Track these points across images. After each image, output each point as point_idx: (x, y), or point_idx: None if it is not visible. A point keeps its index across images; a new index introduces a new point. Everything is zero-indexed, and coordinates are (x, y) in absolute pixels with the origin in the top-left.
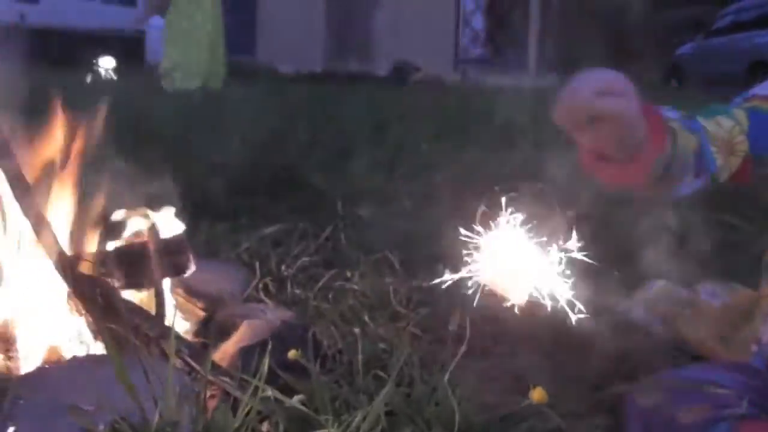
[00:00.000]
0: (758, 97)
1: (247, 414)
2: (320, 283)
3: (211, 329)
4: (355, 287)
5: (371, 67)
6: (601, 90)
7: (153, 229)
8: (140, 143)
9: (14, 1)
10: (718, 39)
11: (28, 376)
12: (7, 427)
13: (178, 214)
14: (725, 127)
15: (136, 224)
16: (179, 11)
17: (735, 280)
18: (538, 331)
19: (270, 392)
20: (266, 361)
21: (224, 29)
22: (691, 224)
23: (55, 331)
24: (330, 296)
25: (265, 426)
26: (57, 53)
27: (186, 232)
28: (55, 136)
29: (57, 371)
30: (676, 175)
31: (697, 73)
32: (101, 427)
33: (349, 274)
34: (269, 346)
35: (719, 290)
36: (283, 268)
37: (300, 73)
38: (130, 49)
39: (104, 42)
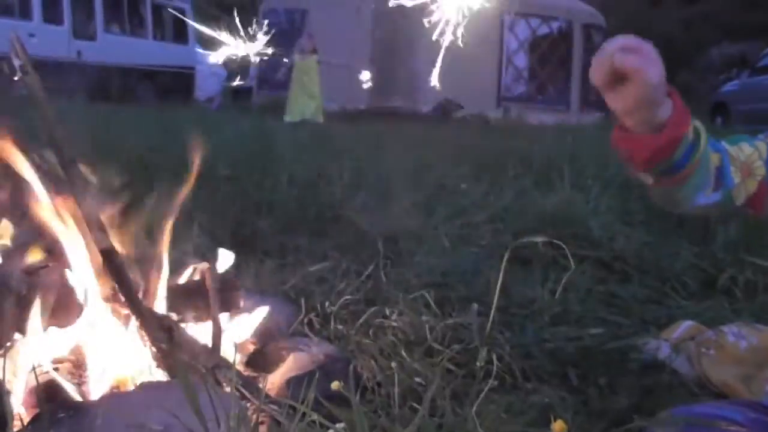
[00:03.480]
0: None
1: None
2: (361, 320)
3: (260, 361)
4: (394, 324)
5: (415, 104)
6: (626, 47)
7: (210, 268)
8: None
9: (73, 38)
10: (763, 77)
11: (103, 398)
12: None
13: (230, 252)
14: (746, 152)
15: (194, 263)
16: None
17: (764, 322)
18: (564, 367)
19: (315, 419)
20: (312, 392)
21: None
22: (722, 265)
23: (123, 359)
24: (370, 332)
25: None
26: (111, 88)
27: (237, 268)
28: None
29: (129, 395)
30: (698, 175)
31: (741, 111)
32: None
33: (388, 311)
34: (314, 378)
35: (745, 331)
36: (326, 304)
37: (346, 110)
38: (181, 84)
39: (157, 77)
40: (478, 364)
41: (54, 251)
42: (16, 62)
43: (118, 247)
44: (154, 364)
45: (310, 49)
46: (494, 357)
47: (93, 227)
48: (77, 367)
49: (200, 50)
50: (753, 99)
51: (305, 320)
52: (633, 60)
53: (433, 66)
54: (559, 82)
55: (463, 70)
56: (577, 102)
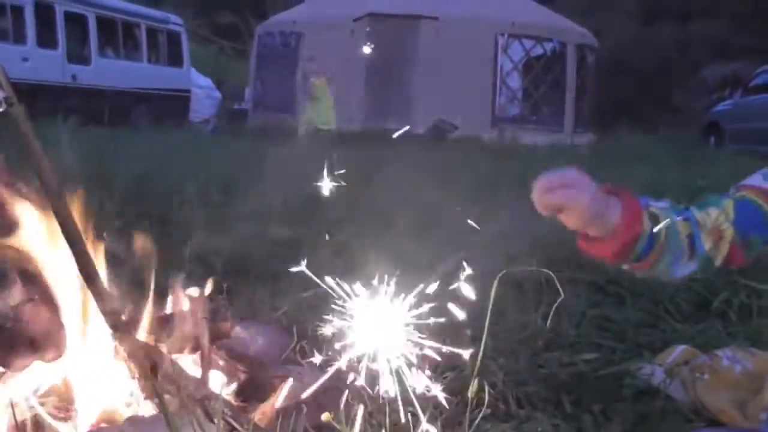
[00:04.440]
0: (745, 187)
1: None
2: (353, 347)
3: (251, 390)
4: None
5: (409, 125)
6: (551, 186)
7: (199, 298)
8: None
9: (67, 62)
10: (756, 96)
11: None
12: None
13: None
14: (712, 216)
15: (183, 292)
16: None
17: (759, 346)
18: (558, 393)
19: None
20: (302, 422)
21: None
22: (716, 287)
23: (110, 393)
24: None
25: None
26: (106, 112)
27: (229, 295)
28: None
29: (115, 430)
30: (668, 253)
31: (734, 130)
32: None
33: None
34: (305, 408)
35: (740, 355)
36: (319, 331)
37: (340, 131)
38: (176, 107)
39: (151, 101)
40: (469, 394)
41: (40, 284)
42: (0, 94)
43: (104, 276)
44: (142, 396)
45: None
46: (487, 385)
47: (79, 257)
48: (64, 401)
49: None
50: (746, 118)
51: (297, 348)
52: (558, 196)
53: (427, 87)
54: (553, 103)
55: (458, 92)
56: (570, 122)
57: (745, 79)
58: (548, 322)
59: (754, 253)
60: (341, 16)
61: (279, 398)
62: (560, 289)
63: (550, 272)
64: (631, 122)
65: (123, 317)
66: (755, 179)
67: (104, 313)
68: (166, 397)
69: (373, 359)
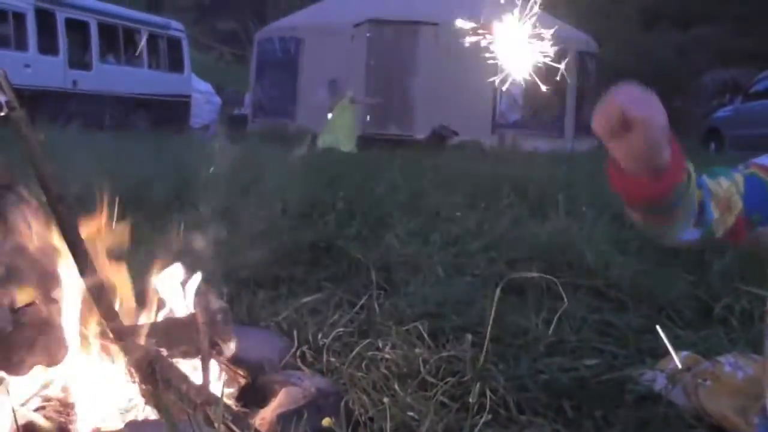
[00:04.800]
0: (756, 165)
1: None
2: (354, 352)
3: (252, 395)
4: (387, 356)
5: (410, 131)
6: (634, 98)
7: (201, 302)
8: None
9: (68, 68)
10: (756, 102)
11: None
12: None
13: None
14: (723, 186)
15: (184, 296)
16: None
17: (761, 352)
18: (559, 399)
19: None
20: (302, 427)
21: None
22: (718, 293)
23: (110, 397)
24: (363, 365)
25: None
26: (107, 117)
27: (230, 301)
28: None
29: None
30: (683, 212)
31: (735, 136)
32: None
33: (381, 343)
34: (305, 414)
35: (742, 361)
36: (319, 336)
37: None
38: (176, 112)
39: (152, 106)
40: (471, 399)
41: (41, 288)
42: (2, 98)
43: (106, 280)
44: (142, 401)
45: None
46: (488, 390)
47: (81, 262)
48: (64, 405)
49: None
50: (746, 124)
51: (298, 353)
52: (642, 108)
53: (427, 93)
54: (554, 110)
55: (458, 98)
56: (571, 129)
57: (746, 85)
58: (550, 327)
59: (752, 233)
60: (341, 22)
61: (279, 403)
62: (564, 296)
63: (554, 279)
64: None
65: (123, 322)
66: (766, 159)
67: (104, 317)
68: (167, 402)
69: None
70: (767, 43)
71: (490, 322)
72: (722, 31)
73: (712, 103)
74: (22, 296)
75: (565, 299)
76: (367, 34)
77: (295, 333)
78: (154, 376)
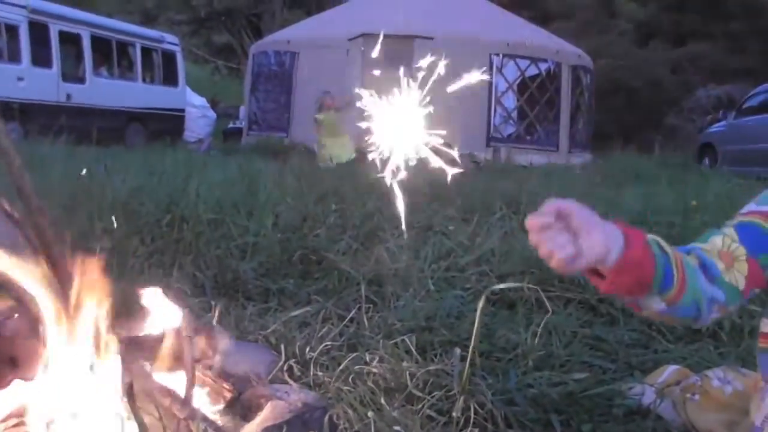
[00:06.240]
0: (740, 215)
1: None
2: (341, 366)
3: (237, 409)
4: (374, 370)
5: None
6: (543, 226)
7: (185, 315)
8: None
9: (62, 81)
10: (750, 118)
11: None
12: None
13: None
14: (718, 243)
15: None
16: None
17: (750, 366)
18: (548, 413)
19: None
20: None
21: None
22: None
23: (92, 411)
24: (350, 379)
25: None
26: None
27: (218, 313)
28: None
29: None
30: (691, 281)
31: (728, 151)
32: None
33: (368, 357)
34: (288, 428)
35: (731, 376)
36: (307, 350)
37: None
38: (170, 126)
39: (146, 120)
40: (454, 414)
41: (22, 300)
42: None
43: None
44: (125, 415)
45: (333, 107)
46: (474, 404)
47: (62, 275)
48: (43, 419)
49: (190, 92)
50: (740, 140)
51: (285, 366)
52: (541, 246)
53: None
54: (548, 123)
55: (453, 111)
56: (566, 143)
57: (739, 100)
58: (537, 340)
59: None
60: (336, 35)
61: (265, 417)
62: (549, 308)
63: (538, 289)
64: (625, 143)
65: (105, 334)
66: (749, 207)
67: (85, 329)
68: (147, 417)
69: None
70: (761, 59)
71: (475, 332)
72: (716, 48)
73: (706, 118)
74: (3, 309)
75: (550, 310)
76: (362, 48)
77: (282, 347)
78: (131, 390)
